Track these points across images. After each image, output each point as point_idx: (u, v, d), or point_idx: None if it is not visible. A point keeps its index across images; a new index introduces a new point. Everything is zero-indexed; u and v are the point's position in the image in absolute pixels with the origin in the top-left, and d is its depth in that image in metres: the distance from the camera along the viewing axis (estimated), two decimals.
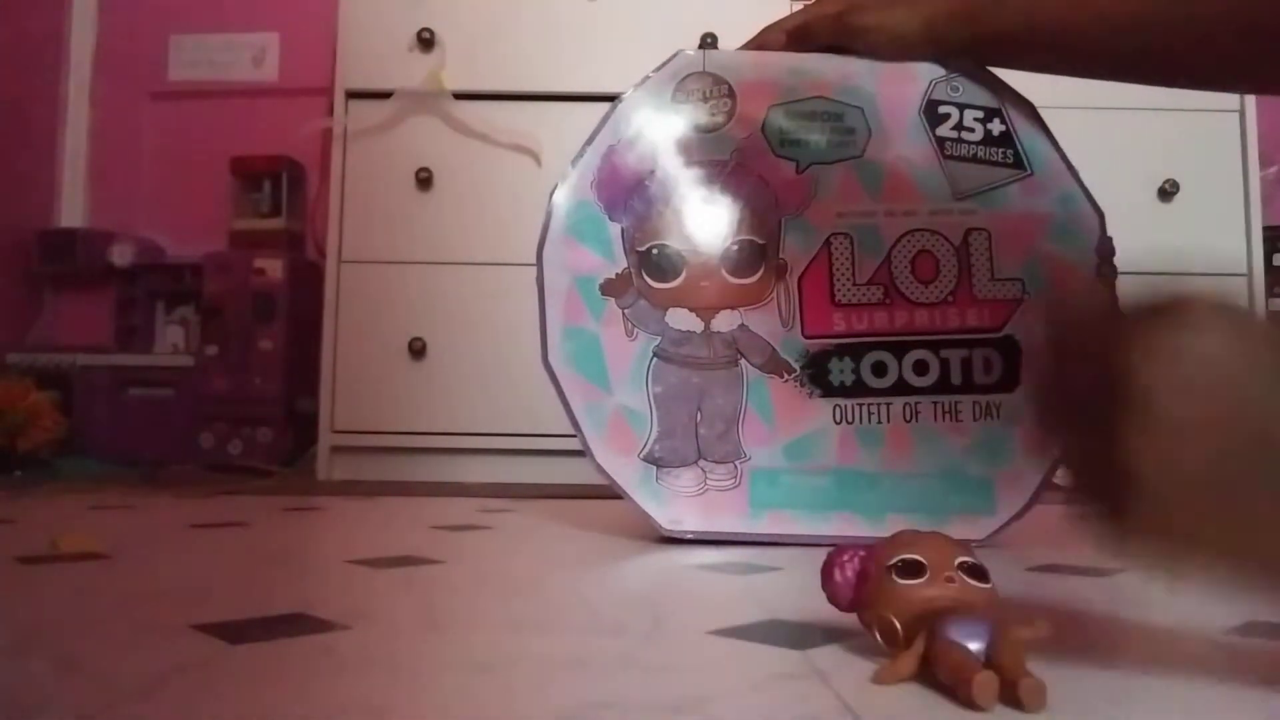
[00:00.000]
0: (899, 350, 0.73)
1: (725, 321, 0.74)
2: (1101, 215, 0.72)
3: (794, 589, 0.55)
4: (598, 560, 0.65)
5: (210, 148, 1.84)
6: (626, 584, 0.56)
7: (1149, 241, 1.44)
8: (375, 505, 1.03)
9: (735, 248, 0.75)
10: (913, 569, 0.35)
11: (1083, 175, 0.72)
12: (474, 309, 1.48)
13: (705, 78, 0.75)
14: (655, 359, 0.74)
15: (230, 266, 1.62)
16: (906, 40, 0.71)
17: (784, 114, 0.74)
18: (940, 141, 0.73)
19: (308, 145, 1.79)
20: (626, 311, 0.74)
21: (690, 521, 0.73)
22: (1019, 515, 0.71)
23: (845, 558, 0.38)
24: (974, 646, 0.32)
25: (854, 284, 0.74)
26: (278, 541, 0.74)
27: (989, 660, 0.32)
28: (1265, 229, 1.49)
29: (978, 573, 0.36)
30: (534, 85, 1.50)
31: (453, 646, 0.40)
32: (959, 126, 0.73)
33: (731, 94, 0.75)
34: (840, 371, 0.73)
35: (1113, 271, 0.71)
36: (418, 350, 1.47)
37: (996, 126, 0.73)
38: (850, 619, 0.38)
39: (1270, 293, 1.53)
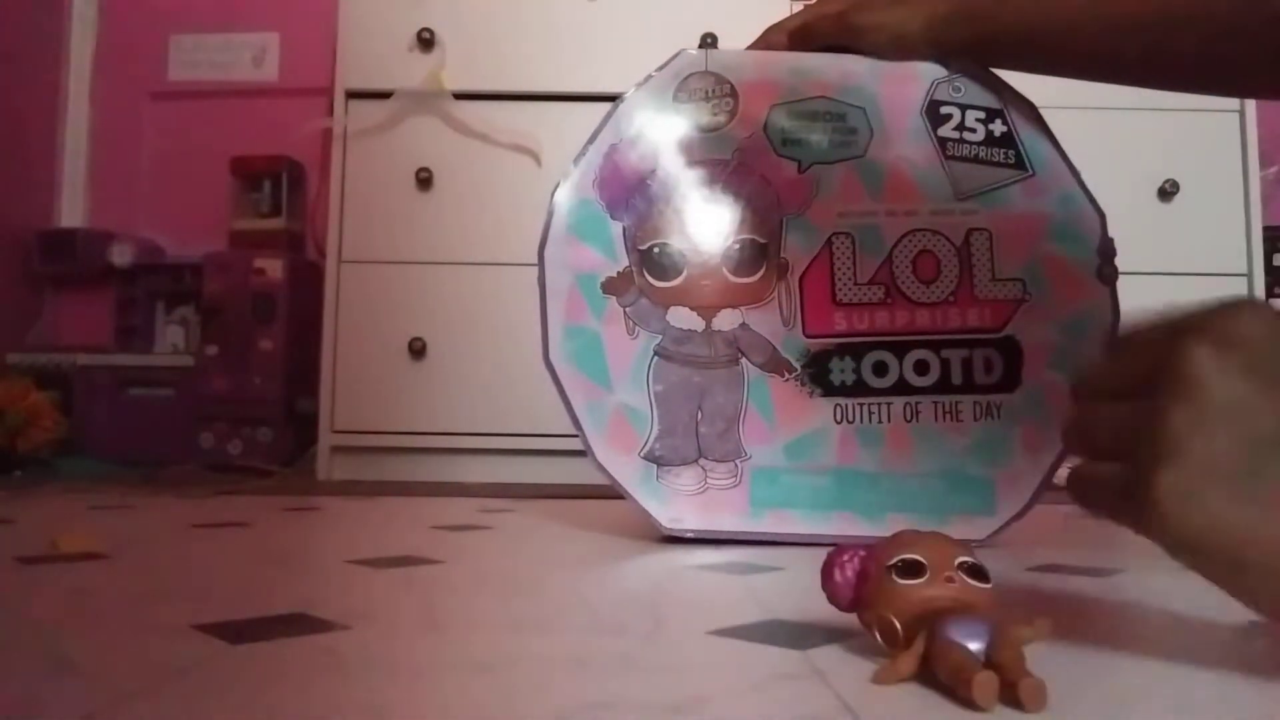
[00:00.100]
0: (900, 350, 0.73)
1: (726, 320, 0.74)
2: (1103, 215, 0.72)
3: (794, 589, 0.54)
4: (598, 560, 0.65)
5: (210, 148, 1.84)
6: (626, 584, 0.56)
7: (1149, 241, 1.44)
8: (375, 505, 1.03)
9: (737, 247, 0.75)
10: (913, 569, 0.35)
11: (1083, 175, 0.72)
12: (474, 309, 1.48)
13: (707, 77, 0.75)
14: (656, 357, 0.74)
15: (230, 266, 1.62)
16: (907, 40, 0.71)
17: (786, 114, 0.74)
18: (942, 142, 0.73)
19: (308, 145, 1.79)
20: (628, 310, 0.74)
21: (690, 520, 0.73)
22: (1019, 515, 0.71)
23: (845, 558, 0.38)
24: (974, 646, 0.32)
25: (855, 283, 0.74)
26: (278, 541, 0.74)
27: (989, 660, 0.32)
28: (1265, 229, 1.49)
29: (978, 573, 0.36)
30: (534, 85, 1.50)
31: (453, 646, 0.40)
32: (961, 127, 0.73)
33: (733, 93, 0.75)
34: (841, 371, 0.73)
35: (1114, 272, 0.71)
36: (418, 350, 1.47)
37: (998, 127, 0.73)
38: (850, 619, 0.38)
39: (1270, 293, 1.53)
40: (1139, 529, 0.34)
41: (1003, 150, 0.73)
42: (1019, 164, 0.73)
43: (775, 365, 0.74)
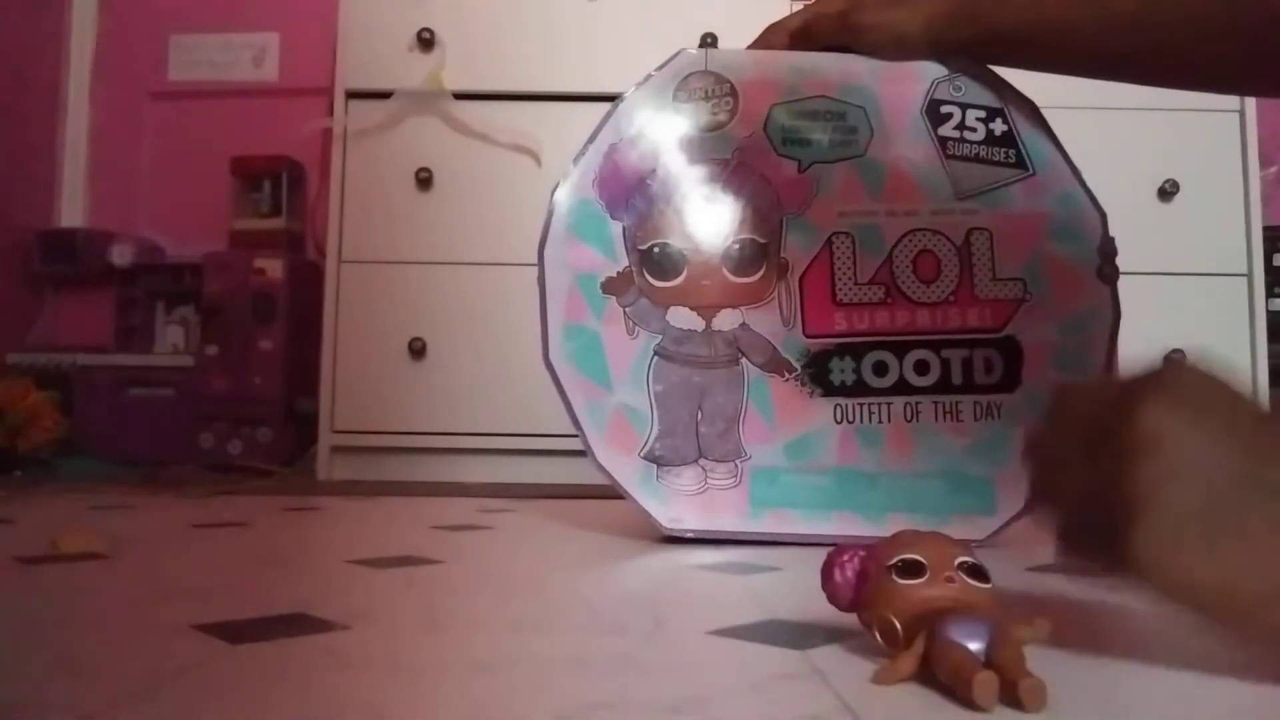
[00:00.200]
0: (900, 350, 0.73)
1: (726, 320, 0.74)
2: (1103, 215, 0.72)
3: (794, 589, 0.54)
4: (598, 560, 0.65)
5: (210, 148, 1.84)
6: (626, 584, 0.56)
7: (1149, 241, 1.44)
8: (375, 505, 1.03)
9: (737, 246, 0.74)
10: (913, 569, 0.35)
11: (1083, 175, 0.72)
12: (474, 309, 1.48)
13: (707, 77, 0.75)
14: (656, 357, 0.74)
15: (230, 266, 1.62)
16: (907, 39, 0.71)
17: (786, 113, 0.74)
18: (942, 141, 0.73)
19: (308, 145, 1.79)
20: (628, 310, 0.74)
21: (690, 520, 0.73)
22: (1019, 515, 0.71)
23: (845, 558, 0.38)
24: (974, 646, 0.32)
25: (855, 283, 0.74)
26: (278, 541, 0.74)
27: (989, 660, 0.32)
28: (1265, 229, 1.49)
29: (978, 573, 0.36)
30: (534, 85, 1.50)
31: (453, 646, 0.40)
32: (961, 126, 0.73)
33: (733, 93, 0.75)
34: (841, 371, 0.73)
35: (1114, 271, 0.71)
36: (418, 350, 1.47)
37: (998, 126, 0.73)
38: (850, 619, 0.38)
39: (1270, 293, 1.53)
40: (1125, 581, 0.35)
41: (1003, 149, 0.73)
42: (1019, 163, 0.73)
43: (775, 365, 0.74)
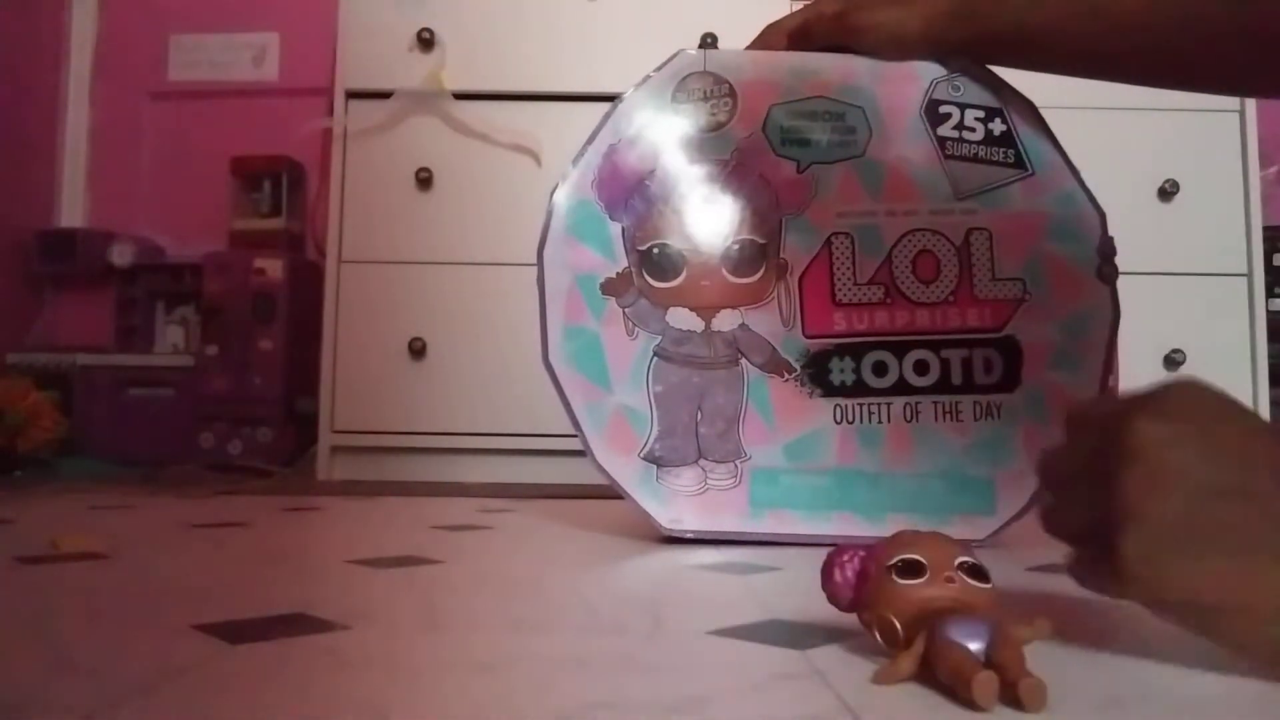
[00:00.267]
0: (899, 350, 0.73)
1: (726, 321, 0.74)
2: (1103, 215, 0.72)
3: (794, 589, 0.54)
4: (598, 560, 0.65)
5: (210, 148, 1.84)
6: (626, 584, 0.56)
7: (1149, 241, 1.44)
8: (375, 505, 1.03)
9: (736, 247, 0.75)
10: (913, 569, 0.35)
11: (1082, 175, 0.72)
12: (474, 309, 1.48)
13: (706, 77, 0.75)
14: (656, 358, 0.74)
15: (230, 266, 1.62)
16: (906, 39, 0.71)
17: (785, 113, 0.74)
18: (941, 141, 0.73)
19: (308, 145, 1.79)
20: (627, 310, 0.74)
21: (690, 521, 0.73)
22: (1019, 515, 0.71)
23: (845, 558, 0.38)
24: (974, 646, 0.32)
25: (855, 283, 0.74)
26: (278, 541, 0.74)
27: (989, 660, 0.32)
28: (1265, 229, 1.49)
29: (978, 573, 0.36)
30: (534, 85, 1.50)
31: (453, 646, 0.40)
32: (960, 126, 0.73)
33: (732, 93, 0.75)
34: (841, 371, 0.73)
35: (1114, 271, 0.71)
36: (418, 350, 1.47)
37: (998, 126, 0.73)
38: (850, 619, 0.38)
39: (1270, 293, 1.53)
40: (1120, 595, 0.36)
41: (1002, 149, 0.73)
42: (1018, 163, 0.73)
43: (775, 365, 0.74)
